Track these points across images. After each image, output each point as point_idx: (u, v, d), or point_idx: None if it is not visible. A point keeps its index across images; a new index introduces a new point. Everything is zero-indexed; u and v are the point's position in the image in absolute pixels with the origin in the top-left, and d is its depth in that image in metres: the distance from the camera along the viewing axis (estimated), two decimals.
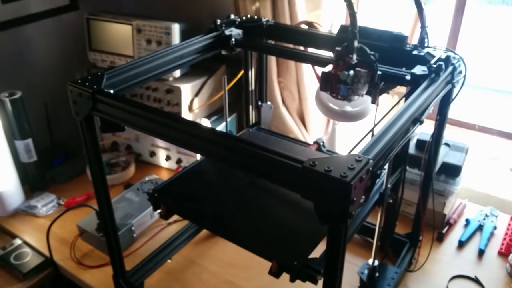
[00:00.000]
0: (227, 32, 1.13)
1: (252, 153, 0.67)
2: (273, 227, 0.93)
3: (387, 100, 1.45)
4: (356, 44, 0.83)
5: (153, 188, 1.05)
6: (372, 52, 0.86)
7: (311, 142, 1.23)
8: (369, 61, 0.86)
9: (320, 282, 0.73)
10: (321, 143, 1.20)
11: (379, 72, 0.87)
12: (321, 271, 0.76)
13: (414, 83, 0.86)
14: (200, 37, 1.10)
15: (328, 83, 0.88)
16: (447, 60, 0.90)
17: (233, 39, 1.13)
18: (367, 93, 0.90)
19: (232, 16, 1.19)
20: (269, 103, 1.35)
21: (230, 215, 0.97)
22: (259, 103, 1.32)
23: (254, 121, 1.35)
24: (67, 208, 1.36)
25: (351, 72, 0.84)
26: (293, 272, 0.78)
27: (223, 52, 1.17)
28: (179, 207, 1.00)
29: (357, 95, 0.88)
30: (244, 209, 0.99)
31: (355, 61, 0.84)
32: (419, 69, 0.88)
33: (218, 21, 1.14)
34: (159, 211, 0.99)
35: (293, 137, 1.39)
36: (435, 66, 0.86)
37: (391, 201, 1.03)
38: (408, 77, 0.88)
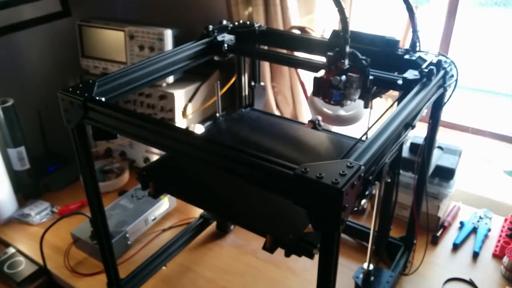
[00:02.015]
0: (219, 38, 1.13)
1: (243, 160, 0.67)
2: (267, 204, 0.91)
3: (381, 103, 1.46)
4: (348, 49, 0.83)
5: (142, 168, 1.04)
6: (363, 57, 0.86)
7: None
8: (361, 66, 0.86)
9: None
10: (317, 122, 1.19)
11: (371, 77, 0.87)
12: (317, 245, 0.74)
13: (406, 88, 0.87)
14: (192, 43, 1.10)
15: (320, 88, 0.88)
16: (438, 64, 0.90)
17: (226, 45, 1.13)
18: (359, 98, 0.90)
19: (224, 22, 1.19)
20: (262, 83, 1.32)
21: (222, 193, 0.95)
22: (252, 84, 1.30)
23: (247, 102, 1.33)
24: (61, 216, 1.36)
25: (343, 77, 0.84)
26: (288, 246, 0.76)
27: (216, 58, 1.17)
28: (168, 185, 0.98)
29: (349, 100, 0.88)
30: (236, 187, 0.96)
31: (347, 66, 0.84)
32: (411, 74, 0.89)
33: (210, 27, 1.14)
34: (148, 190, 0.98)
35: (287, 117, 1.37)
36: (426, 70, 0.87)
37: (389, 180, 1.01)
38: (400, 82, 0.89)
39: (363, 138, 0.81)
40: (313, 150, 1.08)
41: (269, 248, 0.77)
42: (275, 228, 0.81)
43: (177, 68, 1.06)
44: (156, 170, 1.01)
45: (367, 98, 0.90)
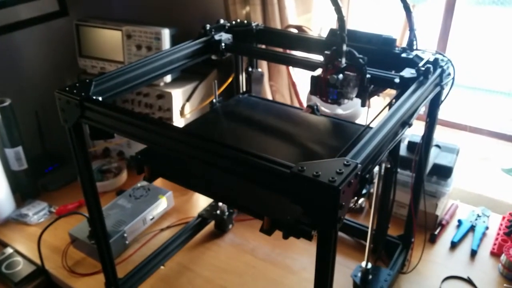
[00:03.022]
0: (216, 37, 1.13)
1: (240, 158, 0.67)
2: None
3: (379, 101, 1.46)
4: (344, 47, 0.83)
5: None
6: (361, 56, 0.86)
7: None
8: (358, 65, 0.86)
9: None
10: (315, 107, 1.18)
11: (368, 76, 0.87)
12: (316, 226, 0.72)
13: (403, 86, 0.87)
14: (190, 42, 1.10)
15: (317, 87, 0.88)
16: (435, 63, 0.90)
17: (223, 44, 1.13)
18: (357, 96, 0.90)
19: (222, 21, 1.19)
20: (260, 69, 1.30)
21: (218, 176, 0.92)
22: (249, 69, 1.27)
23: (244, 89, 1.31)
24: (59, 216, 1.36)
25: (340, 75, 0.84)
26: (286, 228, 0.74)
27: (213, 57, 1.16)
28: (163, 169, 0.97)
29: (346, 98, 0.88)
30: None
31: (344, 65, 0.84)
32: (408, 72, 0.88)
33: (208, 26, 1.14)
34: (143, 174, 0.96)
35: (284, 103, 1.36)
36: (423, 69, 0.87)
37: (389, 165, 1.00)
38: (397, 80, 0.88)
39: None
40: (312, 135, 1.07)
41: (267, 230, 0.75)
42: (273, 210, 0.79)
43: (174, 67, 1.06)
44: (152, 154, 0.99)
45: (364, 96, 0.90)
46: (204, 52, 1.13)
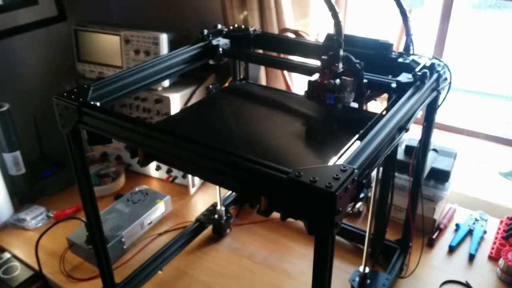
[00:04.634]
0: (214, 42, 1.14)
1: (238, 163, 0.67)
2: None
3: (376, 106, 1.46)
4: (341, 52, 0.83)
5: None
6: (357, 61, 0.86)
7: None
8: (354, 70, 0.86)
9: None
10: None
11: (365, 80, 0.87)
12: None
13: (400, 91, 0.87)
14: (187, 47, 1.10)
15: (314, 92, 0.88)
16: (431, 67, 0.91)
17: (220, 49, 1.14)
18: (354, 101, 0.90)
19: (219, 26, 1.19)
20: None
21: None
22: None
23: (241, 77, 1.29)
24: (56, 221, 1.35)
25: (337, 80, 0.84)
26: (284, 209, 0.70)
27: (211, 62, 1.17)
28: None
29: (343, 103, 0.88)
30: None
31: (341, 70, 0.85)
32: (405, 77, 0.89)
33: (205, 31, 1.14)
34: (137, 158, 0.90)
35: (282, 89, 1.36)
36: (420, 73, 0.87)
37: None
38: (394, 85, 0.89)
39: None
40: (310, 120, 1.06)
41: (264, 211, 0.71)
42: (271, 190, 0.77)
43: (172, 72, 1.06)
44: None
45: (361, 101, 0.91)
46: (202, 57, 1.13)
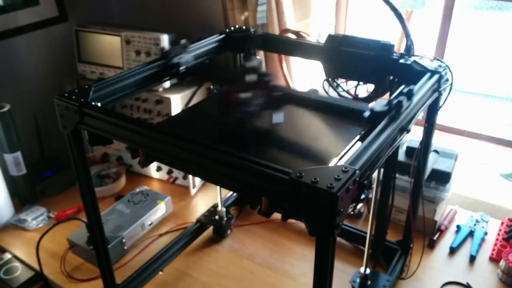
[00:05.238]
0: (175, 60, 1.03)
1: (239, 164, 0.67)
2: None
3: None
4: (252, 64, 0.83)
5: None
6: (268, 72, 0.86)
7: None
8: (264, 83, 0.86)
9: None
10: (315, 94, 1.16)
11: (340, 105, 0.83)
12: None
13: (373, 121, 0.77)
14: (145, 64, 1.01)
15: (225, 105, 0.88)
16: (409, 93, 0.81)
17: (182, 68, 1.05)
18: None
19: (183, 41, 1.08)
20: (258, 57, 1.26)
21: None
22: (248, 55, 1.22)
23: None
24: (57, 221, 1.35)
25: (248, 94, 0.84)
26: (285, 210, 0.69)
27: (171, 82, 1.09)
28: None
29: (255, 116, 0.89)
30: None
31: (251, 82, 0.84)
32: (379, 105, 0.79)
33: (167, 47, 1.05)
34: (137, 159, 0.90)
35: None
36: (394, 102, 0.77)
37: None
38: (367, 114, 0.79)
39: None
40: (312, 120, 1.05)
41: (265, 212, 0.71)
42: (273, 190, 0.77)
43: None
44: None
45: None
46: (161, 76, 1.04)
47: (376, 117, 0.77)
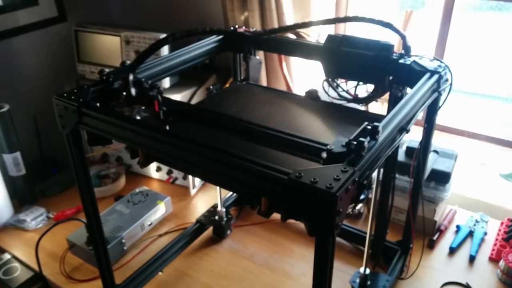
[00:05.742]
0: (116, 85, 0.90)
1: (238, 164, 0.67)
2: None
3: (377, 106, 1.46)
4: (131, 77, 0.80)
5: None
6: (156, 84, 0.83)
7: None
8: (149, 97, 0.83)
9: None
10: (314, 94, 1.15)
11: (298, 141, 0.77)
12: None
13: (329, 162, 0.65)
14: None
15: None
16: (374, 131, 0.71)
17: (124, 93, 0.90)
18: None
19: (128, 62, 0.91)
20: (258, 57, 1.22)
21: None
22: (248, 55, 1.20)
23: (242, 77, 1.26)
24: (57, 222, 1.35)
25: (135, 108, 0.83)
26: (285, 210, 0.68)
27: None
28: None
29: None
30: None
31: (134, 96, 0.83)
32: (338, 145, 0.68)
33: (106, 71, 0.90)
34: (137, 159, 0.90)
35: (283, 90, 1.33)
36: (354, 143, 0.65)
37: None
38: (324, 155, 0.69)
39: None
40: (312, 120, 1.05)
41: (264, 212, 0.70)
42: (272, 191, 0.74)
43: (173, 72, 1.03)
44: None
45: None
46: (103, 99, 0.90)
47: (334, 158, 0.66)
